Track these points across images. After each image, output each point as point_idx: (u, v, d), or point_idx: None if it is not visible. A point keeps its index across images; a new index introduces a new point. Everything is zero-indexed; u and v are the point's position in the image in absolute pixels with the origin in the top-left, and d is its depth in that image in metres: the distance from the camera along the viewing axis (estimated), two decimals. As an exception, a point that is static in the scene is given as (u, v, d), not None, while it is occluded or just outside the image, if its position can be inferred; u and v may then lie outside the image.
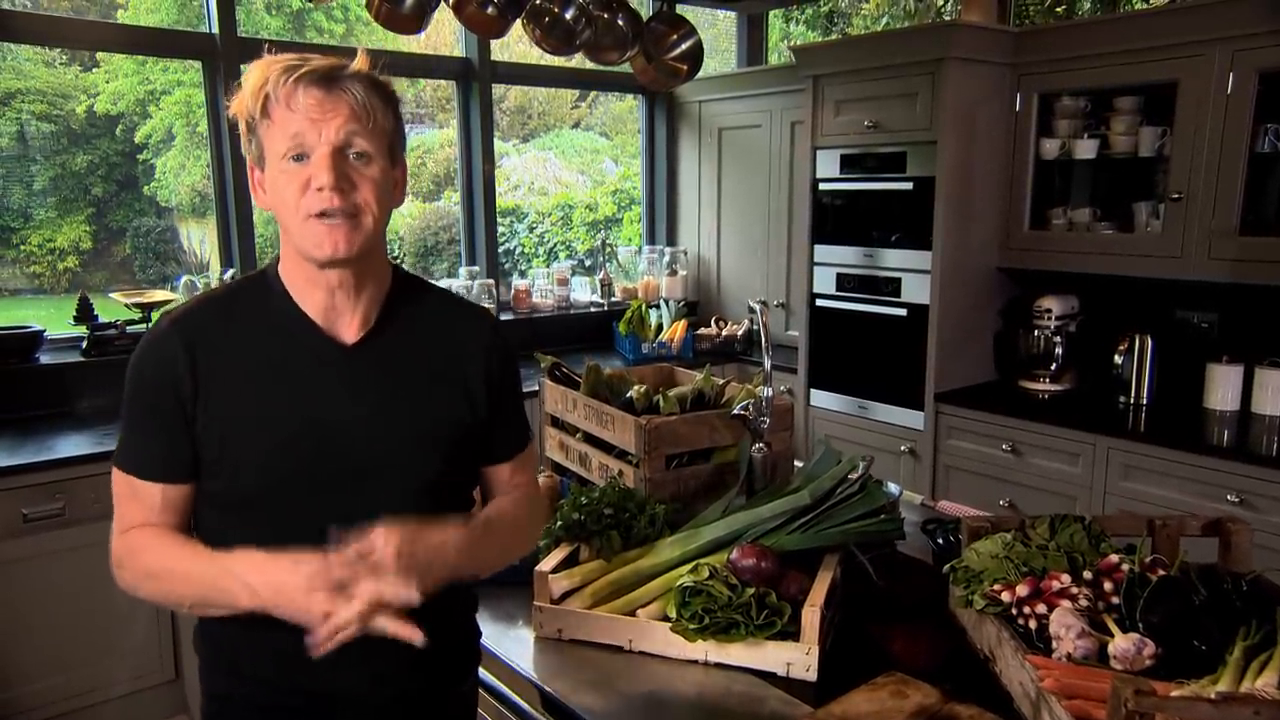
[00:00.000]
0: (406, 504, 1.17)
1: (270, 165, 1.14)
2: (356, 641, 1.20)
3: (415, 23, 3.35)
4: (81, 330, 3.27)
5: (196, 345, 1.16)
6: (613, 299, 4.74)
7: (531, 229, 7.63)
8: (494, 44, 4.14)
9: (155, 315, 3.36)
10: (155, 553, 1.16)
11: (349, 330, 1.21)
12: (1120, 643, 1.22)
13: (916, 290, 3.42)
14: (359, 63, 1.15)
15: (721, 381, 2.05)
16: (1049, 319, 3.39)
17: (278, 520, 1.16)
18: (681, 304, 4.53)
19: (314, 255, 1.14)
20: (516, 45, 6.01)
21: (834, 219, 3.69)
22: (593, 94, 8.88)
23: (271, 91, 1.10)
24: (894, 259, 3.49)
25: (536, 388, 2.38)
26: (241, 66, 3.42)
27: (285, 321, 1.19)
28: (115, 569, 1.18)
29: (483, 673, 1.47)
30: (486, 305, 4.11)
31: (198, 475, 1.19)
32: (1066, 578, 1.34)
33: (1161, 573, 1.32)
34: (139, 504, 1.19)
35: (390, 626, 1.04)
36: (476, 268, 4.31)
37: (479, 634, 1.42)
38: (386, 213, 1.18)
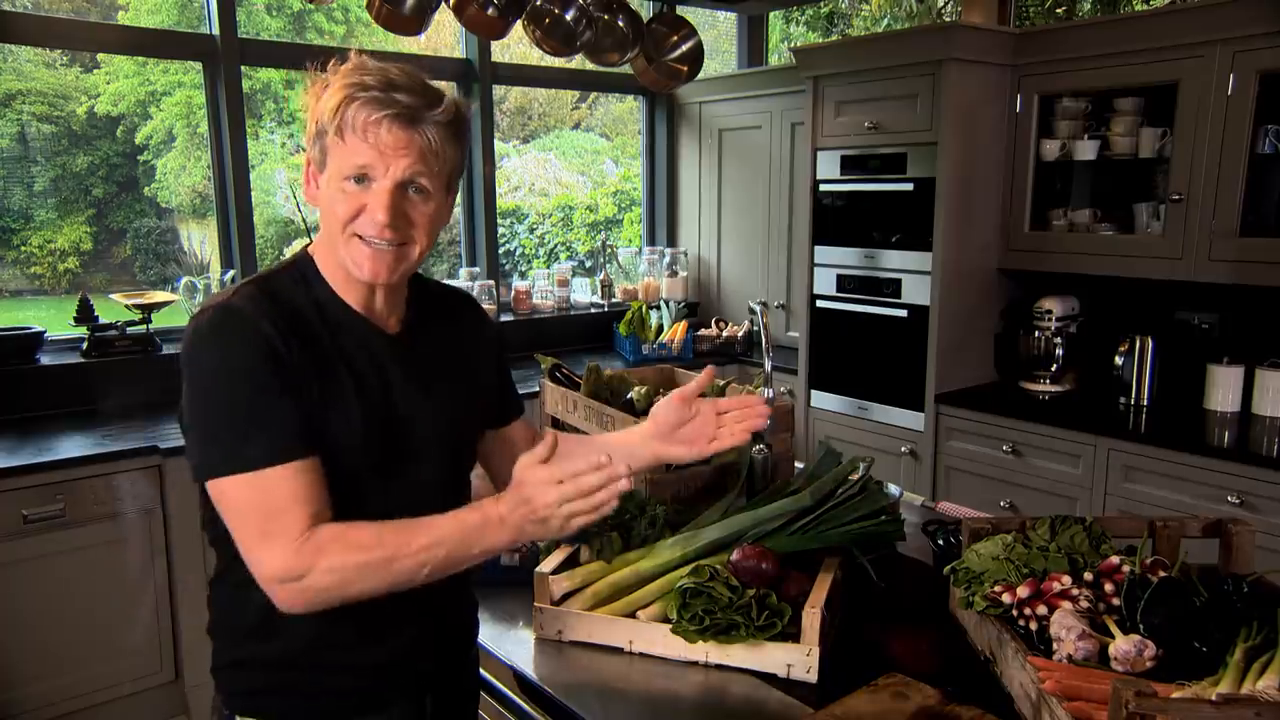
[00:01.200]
0: (447, 482, 1.27)
1: (329, 177, 1.15)
2: (395, 612, 1.20)
3: (416, 24, 3.35)
4: (82, 331, 3.27)
5: (281, 331, 1.12)
6: (613, 300, 4.74)
7: (532, 230, 7.62)
8: (494, 45, 4.15)
9: (156, 317, 3.36)
10: (367, 541, 1.08)
11: (389, 323, 1.25)
12: (1121, 644, 1.22)
13: (917, 291, 3.42)
14: (447, 107, 1.15)
15: (722, 383, 2.05)
16: (1049, 320, 3.39)
17: (347, 508, 1.13)
18: (682, 305, 4.53)
19: (353, 274, 1.17)
20: (517, 46, 6.02)
21: (834, 220, 3.69)
22: (593, 95, 8.88)
23: (352, 116, 1.11)
24: (894, 260, 3.49)
25: (537, 389, 2.37)
26: (238, 66, 3.45)
27: (337, 314, 1.20)
28: (289, 584, 1.07)
29: (483, 673, 1.47)
30: (487, 306, 4.12)
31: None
32: (1067, 579, 1.34)
33: (1162, 574, 1.32)
34: (289, 500, 1.08)
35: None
36: (477, 269, 4.31)
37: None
38: (434, 239, 1.21)
